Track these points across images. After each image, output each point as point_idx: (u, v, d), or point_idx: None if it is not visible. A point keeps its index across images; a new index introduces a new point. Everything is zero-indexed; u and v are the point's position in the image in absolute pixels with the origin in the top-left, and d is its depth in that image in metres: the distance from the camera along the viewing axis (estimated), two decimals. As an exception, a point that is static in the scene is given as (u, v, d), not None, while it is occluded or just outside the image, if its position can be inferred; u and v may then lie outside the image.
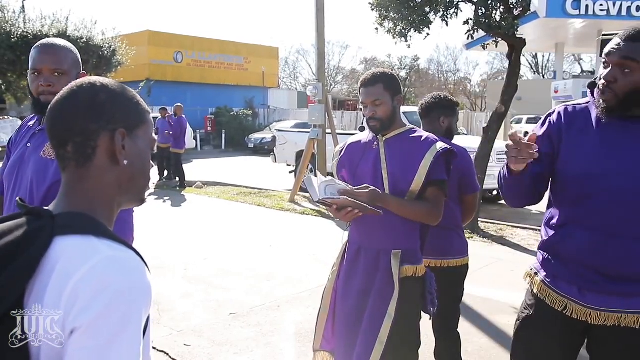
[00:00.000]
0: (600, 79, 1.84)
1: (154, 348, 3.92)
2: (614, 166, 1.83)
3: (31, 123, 2.25)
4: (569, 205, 1.96)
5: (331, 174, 2.79)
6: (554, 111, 2.06)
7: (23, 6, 18.10)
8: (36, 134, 2.15)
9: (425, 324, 2.59)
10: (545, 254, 2.06)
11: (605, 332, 1.90)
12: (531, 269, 2.13)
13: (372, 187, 2.30)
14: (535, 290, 2.06)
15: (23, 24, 16.63)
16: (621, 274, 1.85)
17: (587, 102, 1.99)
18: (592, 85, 1.91)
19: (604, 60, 1.83)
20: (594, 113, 1.93)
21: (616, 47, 1.78)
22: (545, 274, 2.04)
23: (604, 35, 7.00)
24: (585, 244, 1.89)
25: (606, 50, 1.82)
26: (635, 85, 1.75)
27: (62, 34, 16.14)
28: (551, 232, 2.02)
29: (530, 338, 2.08)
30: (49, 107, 1.08)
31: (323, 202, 2.28)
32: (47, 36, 15.62)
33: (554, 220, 2.02)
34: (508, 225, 8.15)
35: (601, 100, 1.84)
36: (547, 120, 2.05)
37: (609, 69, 1.80)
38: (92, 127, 1.04)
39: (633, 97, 1.77)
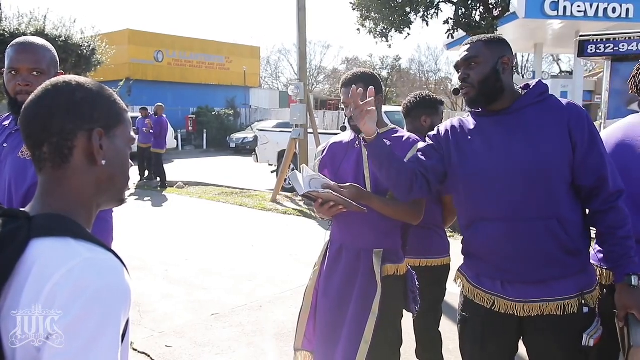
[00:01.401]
0: (459, 82, 2.10)
1: (134, 350, 3.89)
2: (496, 157, 1.99)
3: (6, 123, 2.21)
4: (468, 205, 2.10)
5: (313, 174, 2.78)
6: (436, 129, 2.26)
7: (-1, 4, 17.77)
8: (13, 134, 2.11)
9: (407, 322, 2.61)
10: (466, 255, 2.18)
11: (534, 322, 2.00)
12: (459, 271, 2.24)
13: (355, 185, 2.31)
14: (464, 292, 2.17)
15: (-1, 21, 16.32)
16: (531, 257, 1.95)
17: (454, 120, 2.20)
18: (456, 92, 2.15)
19: (455, 68, 2.12)
20: (472, 119, 2.13)
21: (460, 53, 2.08)
22: (470, 274, 2.15)
23: (581, 36, 7.10)
24: (492, 235, 2.01)
25: (456, 59, 2.10)
26: (482, 74, 2.02)
27: (40, 33, 15.84)
28: (463, 234, 2.16)
29: (471, 339, 2.16)
30: (23, 106, 1.06)
31: (308, 195, 2.28)
32: (24, 35, 15.36)
33: (462, 223, 2.16)
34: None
35: (465, 97, 2.09)
36: (437, 128, 2.26)
37: (461, 71, 2.08)
38: (68, 127, 1.02)
39: (486, 84, 2.02)
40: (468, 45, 2.07)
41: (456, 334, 2.26)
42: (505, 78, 2.03)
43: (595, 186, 1.96)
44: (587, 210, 2.05)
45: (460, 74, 2.07)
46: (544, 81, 2.11)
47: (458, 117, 2.22)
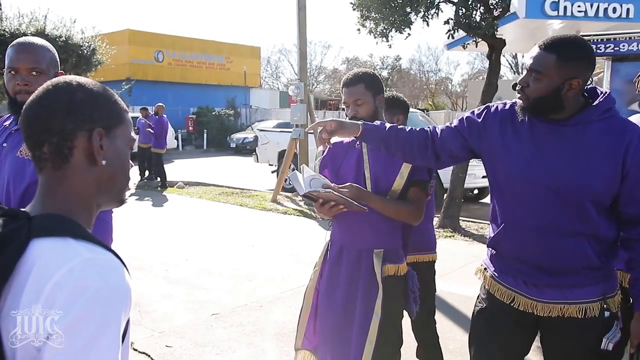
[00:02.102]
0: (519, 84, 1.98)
1: (134, 350, 3.89)
2: (544, 168, 1.92)
3: (7, 123, 2.21)
4: (505, 206, 2.06)
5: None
6: (487, 107, 2.14)
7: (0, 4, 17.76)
8: (12, 134, 2.12)
9: (407, 323, 2.61)
10: (492, 250, 2.16)
11: (553, 323, 1.99)
12: (482, 265, 2.23)
13: (355, 185, 2.30)
14: (486, 285, 2.16)
15: (0, 21, 16.31)
16: (556, 268, 1.95)
17: (513, 102, 2.07)
18: (514, 87, 2.02)
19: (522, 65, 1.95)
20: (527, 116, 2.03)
21: (532, 55, 1.92)
22: (493, 269, 2.14)
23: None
24: (521, 241, 1.99)
25: (527, 56, 1.96)
26: (541, 92, 1.88)
27: (41, 33, 15.83)
28: (493, 231, 2.12)
29: (483, 331, 2.16)
30: (24, 106, 1.06)
31: (308, 195, 2.26)
32: (24, 35, 15.33)
33: (495, 219, 2.13)
34: (489, 224, 8.22)
35: (519, 100, 1.98)
36: (481, 112, 2.13)
37: (524, 75, 1.95)
38: (69, 127, 1.02)
39: (542, 102, 1.90)
40: (541, 52, 1.88)
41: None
42: (567, 97, 1.88)
43: (636, 217, 1.91)
44: (621, 233, 1.99)
45: (523, 76, 1.95)
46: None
47: (510, 102, 2.08)
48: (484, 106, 2.16)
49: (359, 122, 2.20)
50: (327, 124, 2.19)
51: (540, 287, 1.98)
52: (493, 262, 2.15)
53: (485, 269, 2.19)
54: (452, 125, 2.19)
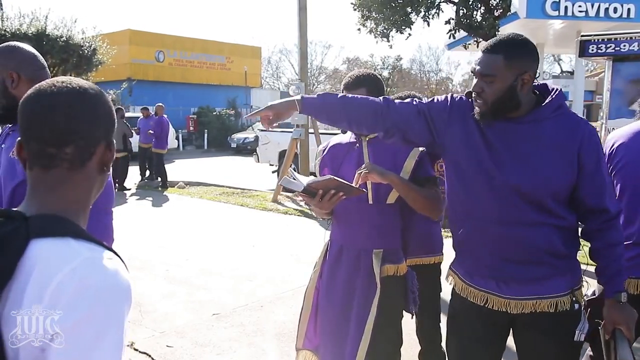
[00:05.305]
0: (474, 91, 1.98)
1: (135, 350, 3.90)
2: (502, 167, 1.92)
3: None
4: (468, 201, 2.03)
5: (314, 174, 2.76)
6: (453, 96, 2.12)
7: (0, 4, 17.77)
8: (10, 135, 2.11)
9: (407, 323, 2.61)
10: (459, 250, 2.14)
11: (525, 320, 2.01)
12: (451, 269, 2.21)
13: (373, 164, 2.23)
14: (457, 290, 2.15)
15: (0, 22, 16.31)
16: (522, 258, 1.95)
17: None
18: (469, 95, 2.03)
19: (472, 72, 1.98)
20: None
21: (478, 61, 1.93)
22: (462, 271, 2.13)
23: (582, 36, 7.09)
24: (486, 235, 1.98)
25: (473, 63, 1.97)
26: (497, 94, 1.89)
27: (41, 33, 15.88)
28: (456, 229, 2.11)
29: (459, 335, 2.16)
30: (47, 96, 1.04)
31: (308, 189, 2.20)
32: (25, 34, 15.39)
33: (456, 216, 2.11)
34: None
35: (476, 108, 1.97)
36: (438, 101, 2.11)
37: (476, 81, 1.95)
38: (96, 134, 1.07)
39: (500, 103, 1.90)
40: (487, 56, 1.89)
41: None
42: (522, 93, 1.91)
43: (594, 208, 1.94)
44: (583, 224, 2.02)
45: (475, 83, 1.94)
46: (547, 81, 2.05)
47: (465, 95, 2.07)
48: (448, 96, 2.13)
49: (295, 98, 2.12)
50: (264, 113, 2.12)
51: (510, 284, 1.98)
52: (461, 264, 2.14)
53: (455, 273, 2.18)
54: (415, 107, 2.09)
